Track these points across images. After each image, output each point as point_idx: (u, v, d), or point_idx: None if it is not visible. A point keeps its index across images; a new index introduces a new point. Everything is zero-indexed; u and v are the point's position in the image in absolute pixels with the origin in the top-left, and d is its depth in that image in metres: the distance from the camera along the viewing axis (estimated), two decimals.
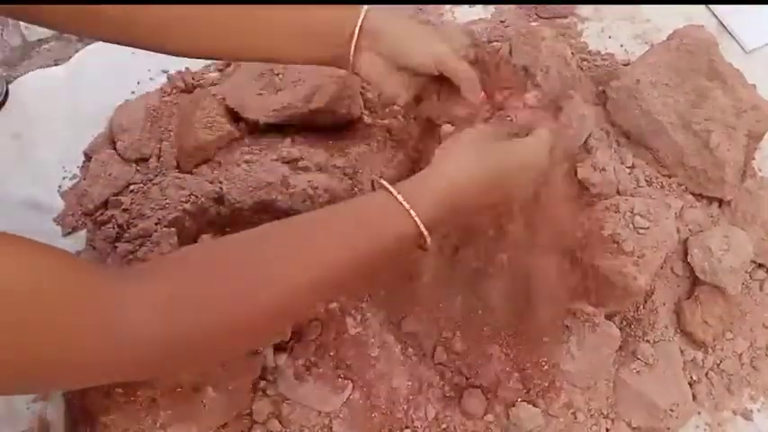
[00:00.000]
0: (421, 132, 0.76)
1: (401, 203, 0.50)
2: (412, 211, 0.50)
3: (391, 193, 0.50)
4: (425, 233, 0.50)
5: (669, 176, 0.88)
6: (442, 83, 0.64)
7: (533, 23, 1.01)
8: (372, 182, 0.51)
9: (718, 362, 0.81)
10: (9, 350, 0.39)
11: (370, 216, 0.51)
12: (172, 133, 0.88)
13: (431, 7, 1.03)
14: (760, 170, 0.92)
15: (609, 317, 0.79)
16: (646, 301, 0.81)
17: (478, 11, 1.04)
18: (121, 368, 0.44)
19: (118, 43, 0.61)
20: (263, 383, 0.75)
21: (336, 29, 0.61)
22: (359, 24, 0.60)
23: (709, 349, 0.81)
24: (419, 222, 0.50)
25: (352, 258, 0.49)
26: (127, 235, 0.81)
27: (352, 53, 0.61)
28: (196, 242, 0.80)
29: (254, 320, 0.47)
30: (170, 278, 0.46)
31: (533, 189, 0.59)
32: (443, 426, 0.75)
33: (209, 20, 0.59)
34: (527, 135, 0.59)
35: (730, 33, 1.03)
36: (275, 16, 0.60)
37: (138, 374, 0.48)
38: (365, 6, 0.60)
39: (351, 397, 0.74)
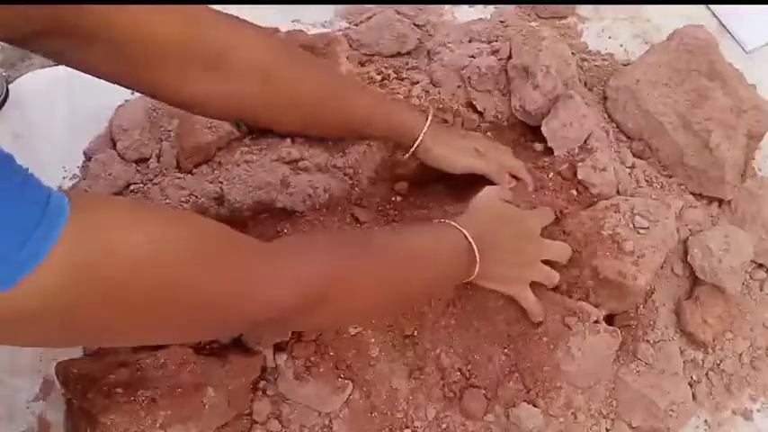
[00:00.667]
0: None
1: (462, 231, 0.69)
2: (468, 235, 0.68)
3: (453, 225, 0.69)
4: (473, 244, 0.68)
5: (669, 176, 0.88)
6: None
7: (533, 23, 1.01)
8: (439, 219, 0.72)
9: (718, 362, 0.81)
10: (192, 292, 0.48)
11: (445, 234, 0.69)
12: (172, 133, 0.88)
13: (431, 7, 1.03)
14: (760, 170, 0.92)
15: (609, 317, 0.79)
16: (646, 301, 0.81)
17: (478, 11, 1.04)
18: (283, 303, 0.54)
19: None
20: (263, 383, 0.75)
21: (403, 137, 0.80)
22: (419, 140, 0.80)
23: (709, 349, 0.81)
24: (471, 241, 0.68)
25: (438, 259, 0.68)
26: None
27: (407, 156, 0.82)
28: None
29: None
30: (324, 236, 0.66)
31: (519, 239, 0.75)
32: (443, 426, 0.75)
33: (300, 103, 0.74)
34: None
35: (730, 33, 1.03)
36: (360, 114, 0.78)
37: (298, 312, 0.56)
38: (427, 124, 0.80)
39: (351, 397, 0.74)
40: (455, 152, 0.82)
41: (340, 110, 0.77)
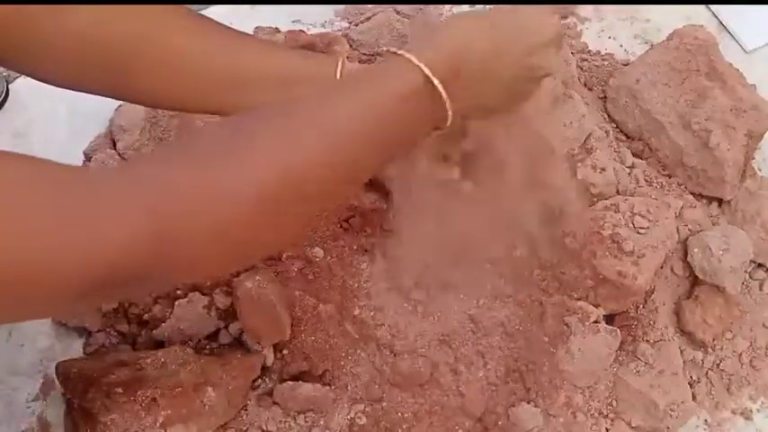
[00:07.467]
0: None
1: (406, 56, 0.50)
2: (415, 60, 0.50)
3: (396, 53, 0.51)
4: (434, 79, 0.50)
5: (669, 176, 0.88)
6: None
7: None
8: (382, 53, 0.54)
9: (718, 362, 0.81)
10: None
11: (380, 73, 0.53)
12: (172, 133, 0.88)
13: (431, 7, 1.03)
14: (760, 170, 0.92)
15: (609, 316, 0.80)
16: (646, 301, 0.81)
17: (478, 11, 1.03)
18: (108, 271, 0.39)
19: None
20: (262, 383, 0.75)
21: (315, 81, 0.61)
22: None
23: (709, 349, 0.81)
24: (424, 68, 0.50)
25: (369, 110, 0.49)
26: None
27: None
28: None
29: (271, 197, 0.45)
30: (157, 165, 0.44)
31: (534, 61, 0.58)
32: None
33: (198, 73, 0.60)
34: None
35: (730, 33, 1.03)
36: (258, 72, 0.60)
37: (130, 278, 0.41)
38: (340, 60, 0.62)
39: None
40: None
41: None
